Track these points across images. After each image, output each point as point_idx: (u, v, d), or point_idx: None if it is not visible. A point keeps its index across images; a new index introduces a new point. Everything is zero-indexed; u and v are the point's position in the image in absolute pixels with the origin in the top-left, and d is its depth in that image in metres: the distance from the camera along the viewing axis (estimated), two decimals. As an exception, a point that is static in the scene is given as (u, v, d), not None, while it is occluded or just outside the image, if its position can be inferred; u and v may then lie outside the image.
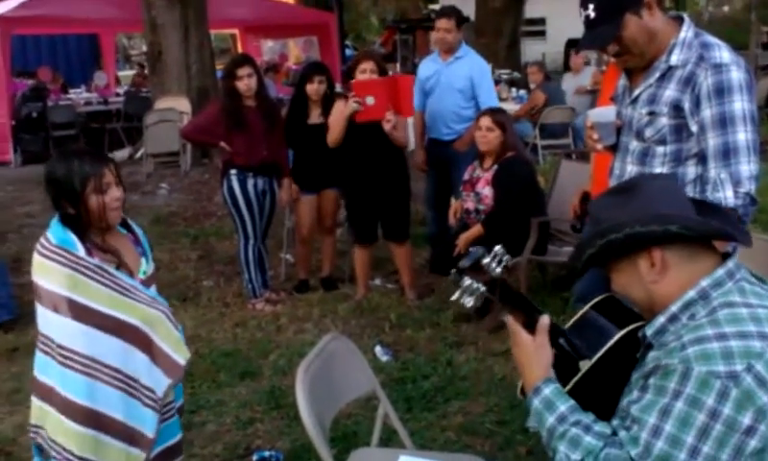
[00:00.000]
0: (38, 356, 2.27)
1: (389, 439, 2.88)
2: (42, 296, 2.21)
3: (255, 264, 5.00)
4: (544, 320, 1.64)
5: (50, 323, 2.21)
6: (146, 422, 2.26)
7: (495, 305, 1.67)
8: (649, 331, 1.55)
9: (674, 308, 1.52)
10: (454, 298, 1.67)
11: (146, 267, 2.41)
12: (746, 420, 1.35)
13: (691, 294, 1.50)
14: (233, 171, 4.81)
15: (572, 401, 1.57)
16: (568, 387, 1.62)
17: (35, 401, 2.30)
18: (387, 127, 4.58)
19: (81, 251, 2.20)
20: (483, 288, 1.65)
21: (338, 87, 7.35)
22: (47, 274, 2.20)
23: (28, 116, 11.20)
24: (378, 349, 4.27)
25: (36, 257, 2.22)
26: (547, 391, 1.58)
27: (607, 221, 1.54)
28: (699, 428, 1.36)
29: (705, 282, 1.50)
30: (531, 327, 1.64)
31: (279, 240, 5.91)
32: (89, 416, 2.18)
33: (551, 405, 1.56)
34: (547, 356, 1.63)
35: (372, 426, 2.61)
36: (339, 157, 4.91)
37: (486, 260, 1.64)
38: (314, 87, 4.95)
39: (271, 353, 4.35)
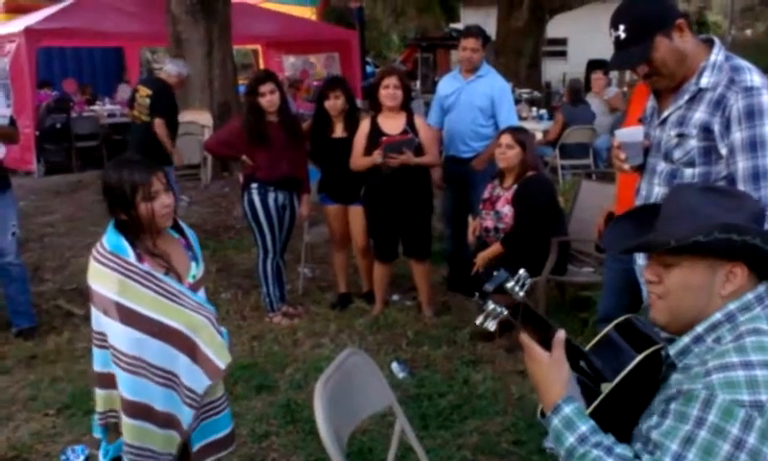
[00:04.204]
0: (97, 352, 2.42)
1: (404, 456, 2.87)
2: (95, 299, 2.35)
3: (274, 278, 5.02)
4: (560, 334, 1.59)
5: (102, 323, 2.35)
6: (183, 414, 2.38)
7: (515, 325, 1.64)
8: (672, 351, 1.52)
9: (699, 329, 1.49)
10: (479, 322, 1.64)
11: (195, 271, 2.52)
12: None
13: (718, 316, 1.48)
14: (254, 185, 4.84)
15: (593, 422, 1.52)
16: (589, 410, 1.59)
17: (99, 392, 2.46)
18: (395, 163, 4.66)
19: (131, 257, 2.32)
20: (506, 312, 1.62)
21: (359, 103, 7.38)
22: (100, 279, 2.32)
23: (52, 127, 11.35)
24: (395, 365, 4.26)
25: (92, 262, 2.35)
26: (568, 410, 1.53)
27: (716, 217, 1.47)
28: (724, 458, 1.33)
29: (733, 306, 1.47)
30: (546, 344, 1.60)
31: (298, 254, 5.93)
32: (134, 409, 2.33)
33: (572, 424, 1.51)
34: (565, 372, 1.57)
35: (388, 443, 2.60)
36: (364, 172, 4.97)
37: (510, 284, 1.61)
38: (331, 103, 4.98)
39: (287, 367, 4.35)
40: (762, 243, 1.45)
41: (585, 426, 1.51)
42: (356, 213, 5.14)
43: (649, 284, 1.58)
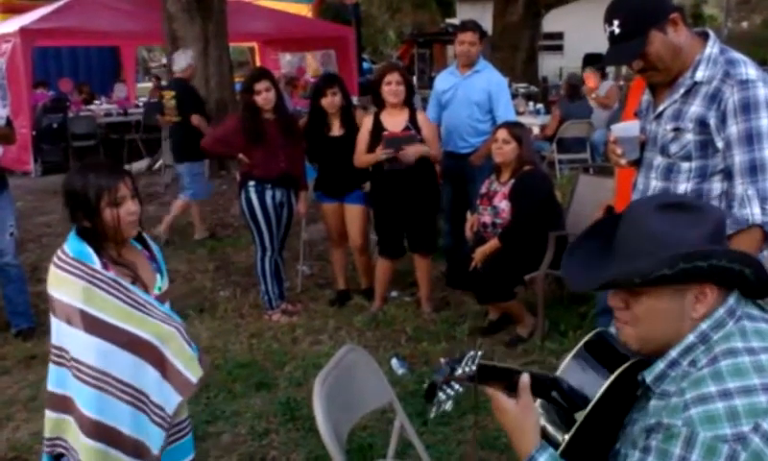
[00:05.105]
0: (53, 369, 2.27)
1: (404, 452, 2.87)
2: (56, 308, 2.21)
3: (272, 275, 5.02)
4: (524, 379, 1.56)
5: (64, 335, 2.21)
6: (152, 438, 2.24)
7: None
8: (648, 378, 1.49)
9: (674, 354, 1.46)
10: (433, 415, 1.60)
11: (161, 283, 2.40)
12: None
13: (691, 338, 1.45)
14: (251, 183, 4.84)
15: None
16: (565, 443, 1.57)
17: (49, 415, 2.29)
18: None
19: (97, 264, 2.20)
20: (461, 388, 1.59)
21: (355, 100, 7.40)
22: (63, 286, 2.19)
23: (48, 127, 11.33)
24: (394, 361, 4.26)
25: (53, 269, 2.22)
26: (542, 460, 1.52)
27: (680, 241, 1.43)
28: None
29: (705, 325, 1.44)
30: (513, 389, 1.57)
31: (296, 252, 5.93)
32: (99, 430, 2.17)
33: None
34: (534, 418, 1.56)
35: (388, 439, 2.60)
36: (362, 169, 4.98)
37: (458, 372, 1.58)
38: (328, 100, 4.97)
39: (286, 365, 4.35)
40: (729, 263, 1.41)
41: None
42: (353, 212, 5.14)
43: (616, 310, 1.54)
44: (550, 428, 1.63)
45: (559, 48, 22.58)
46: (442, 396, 1.57)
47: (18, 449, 3.53)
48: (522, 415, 1.55)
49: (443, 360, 1.61)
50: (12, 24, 11.63)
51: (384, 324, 4.93)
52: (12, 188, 4.90)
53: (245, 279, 5.89)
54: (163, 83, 13.47)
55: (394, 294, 5.40)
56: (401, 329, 4.81)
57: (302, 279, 5.82)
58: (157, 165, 10.74)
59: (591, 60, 11.58)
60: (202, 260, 6.52)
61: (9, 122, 4.86)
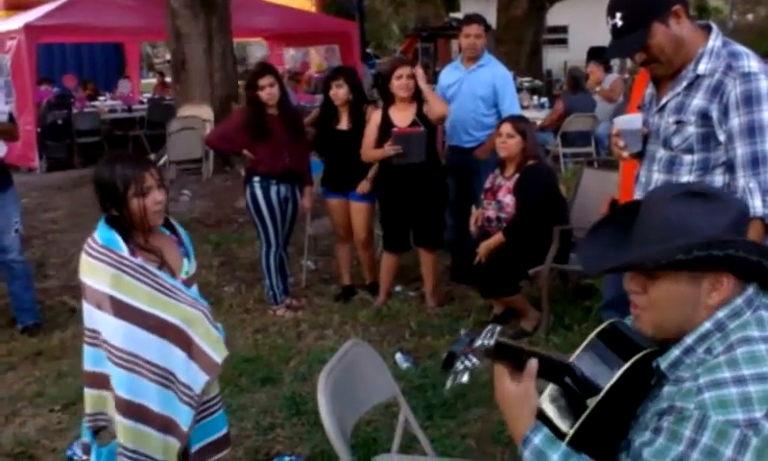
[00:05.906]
0: (88, 350, 2.37)
1: (409, 446, 2.88)
2: (87, 294, 2.32)
3: (276, 271, 5.02)
4: (531, 365, 1.55)
5: (95, 319, 2.31)
6: (181, 415, 2.34)
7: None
8: (663, 364, 1.49)
9: (689, 340, 1.46)
10: (449, 386, 1.62)
11: (188, 267, 2.49)
12: None
13: (707, 326, 1.44)
14: (256, 179, 4.84)
15: (563, 448, 1.50)
16: (576, 427, 1.56)
17: (88, 391, 2.40)
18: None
19: (125, 250, 2.30)
20: (478, 362, 1.59)
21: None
22: (93, 273, 2.29)
23: (53, 123, 11.35)
24: (399, 356, 4.26)
25: (84, 257, 2.32)
26: (537, 440, 1.51)
27: (697, 229, 1.43)
28: None
29: (721, 313, 1.44)
30: (522, 369, 1.57)
31: (300, 247, 5.93)
32: (130, 408, 2.29)
33: (542, 455, 1.50)
34: (531, 404, 1.55)
35: (392, 433, 2.61)
36: (367, 164, 4.98)
37: (477, 343, 1.58)
38: (333, 92, 4.99)
39: (291, 359, 4.36)
40: (746, 253, 1.41)
41: (556, 455, 1.49)
42: (358, 207, 5.14)
43: (632, 294, 1.54)
44: (555, 419, 1.62)
45: (563, 42, 22.50)
46: (459, 365, 1.59)
47: (25, 445, 3.54)
48: (519, 399, 1.56)
49: (463, 332, 1.63)
50: (17, 21, 11.66)
51: (388, 318, 4.93)
52: (17, 185, 4.91)
53: (250, 275, 5.90)
54: (167, 79, 13.54)
55: (398, 289, 5.41)
56: (406, 324, 4.81)
57: (307, 275, 5.83)
58: (162, 161, 10.74)
59: (596, 54, 11.52)
60: (206, 256, 6.52)
61: (11, 118, 4.87)
